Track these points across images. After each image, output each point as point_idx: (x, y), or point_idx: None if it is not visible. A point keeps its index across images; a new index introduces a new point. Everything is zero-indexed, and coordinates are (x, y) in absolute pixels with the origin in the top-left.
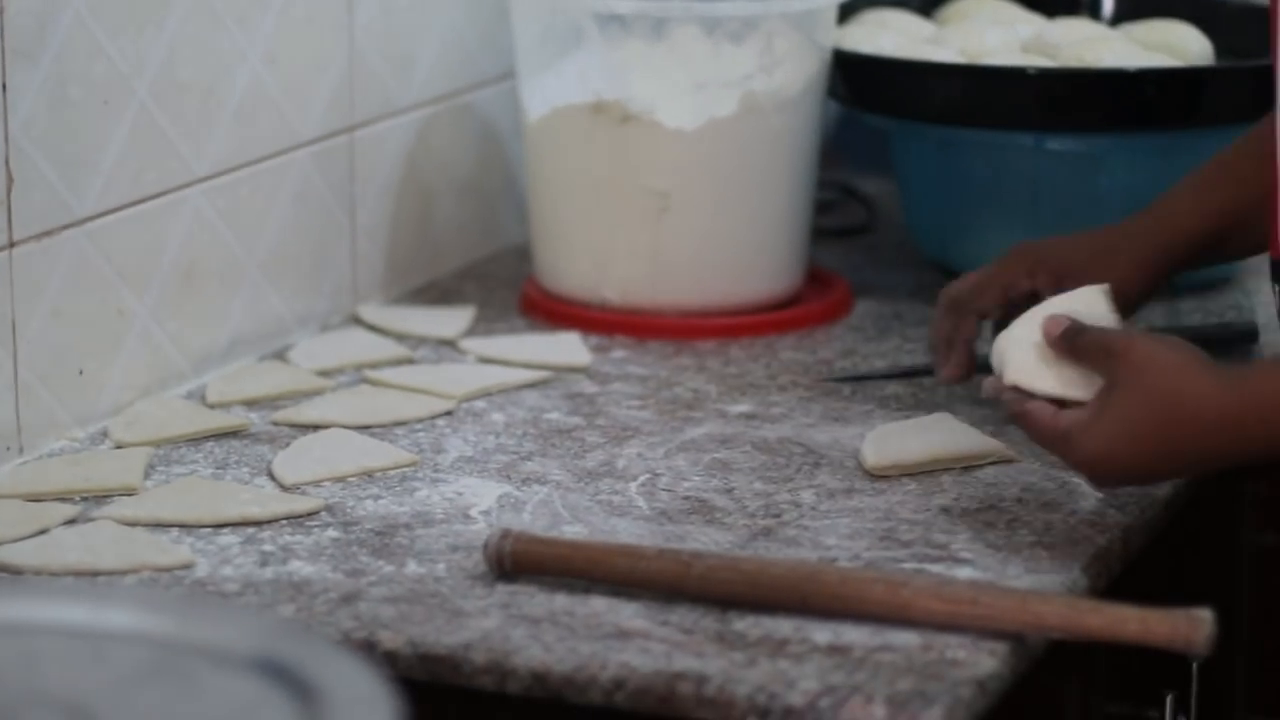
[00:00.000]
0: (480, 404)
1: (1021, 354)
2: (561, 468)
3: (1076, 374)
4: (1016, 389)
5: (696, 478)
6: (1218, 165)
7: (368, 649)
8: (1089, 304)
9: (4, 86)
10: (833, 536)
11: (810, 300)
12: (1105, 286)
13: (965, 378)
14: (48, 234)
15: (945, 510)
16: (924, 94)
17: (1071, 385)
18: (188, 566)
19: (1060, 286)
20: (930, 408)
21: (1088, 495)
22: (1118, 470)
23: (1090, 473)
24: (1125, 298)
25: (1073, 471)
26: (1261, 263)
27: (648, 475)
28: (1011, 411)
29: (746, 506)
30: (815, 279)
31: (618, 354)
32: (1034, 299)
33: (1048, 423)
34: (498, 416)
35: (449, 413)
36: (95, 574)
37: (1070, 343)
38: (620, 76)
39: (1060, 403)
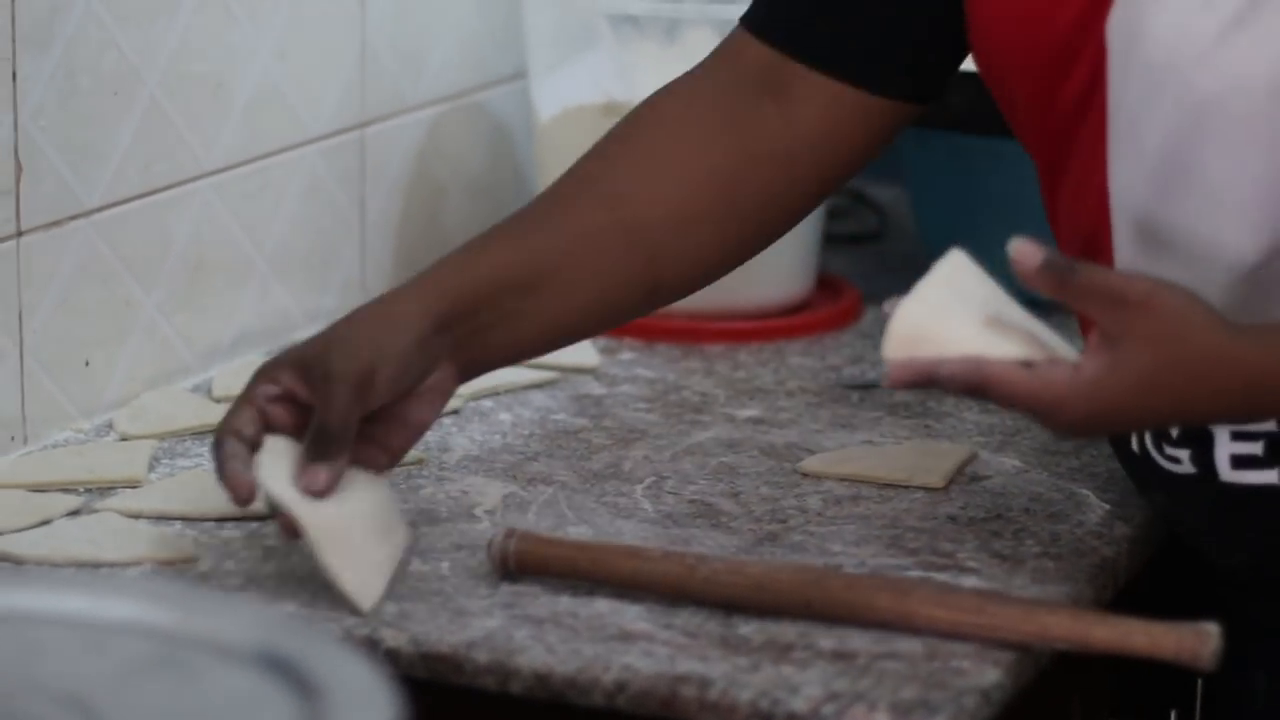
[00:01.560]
0: (487, 403)
1: (953, 324)
2: (567, 468)
3: (1025, 334)
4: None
5: (703, 481)
6: (508, 221)
7: (370, 646)
8: (957, 269)
9: (14, 75)
10: (838, 543)
11: (820, 306)
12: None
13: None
14: (56, 224)
15: (952, 519)
16: (937, 101)
17: (1031, 344)
18: (191, 560)
19: (308, 376)
20: (938, 416)
21: (1095, 507)
22: (1111, 426)
23: (1081, 431)
24: (389, 362)
25: (1050, 428)
26: None
27: (654, 478)
28: (966, 385)
29: (752, 511)
30: (825, 285)
31: (626, 356)
32: (291, 400)
33: (1029, 388)
34: (504, 416)
35: (456, 411)
36: (97, 565)
37: (1060, 280)
38: (632, 78)
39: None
